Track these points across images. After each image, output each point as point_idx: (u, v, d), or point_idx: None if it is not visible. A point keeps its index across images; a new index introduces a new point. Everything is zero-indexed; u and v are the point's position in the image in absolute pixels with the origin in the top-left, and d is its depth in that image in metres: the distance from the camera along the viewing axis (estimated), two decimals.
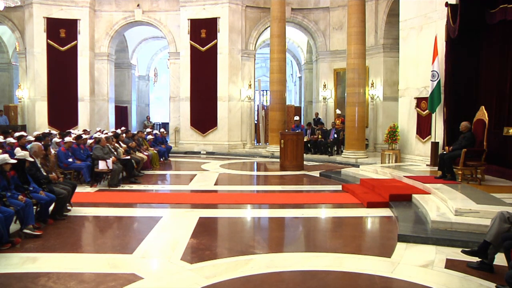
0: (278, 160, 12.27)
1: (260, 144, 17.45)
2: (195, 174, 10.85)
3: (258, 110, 17.87)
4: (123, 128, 12.87)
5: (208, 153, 15.69)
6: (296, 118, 15.84)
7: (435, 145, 9.68)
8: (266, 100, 25.40)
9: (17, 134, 9.22)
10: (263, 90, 24.58)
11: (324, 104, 16.93)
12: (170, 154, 14.21)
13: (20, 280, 4.07)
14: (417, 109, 10.49)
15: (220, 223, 6.54)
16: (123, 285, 3.93)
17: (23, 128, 15.46)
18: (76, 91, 16.29)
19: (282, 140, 11.73)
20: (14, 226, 5.37)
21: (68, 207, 6.65)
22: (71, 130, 12.81)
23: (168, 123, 18.37)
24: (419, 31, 10.51)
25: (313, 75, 18.55)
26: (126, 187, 9.02)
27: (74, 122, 16.07)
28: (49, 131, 13.06)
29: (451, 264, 4.46)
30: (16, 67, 19.37)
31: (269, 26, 15.40)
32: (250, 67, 16.47)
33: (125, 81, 20.48)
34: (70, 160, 8.66)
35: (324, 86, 16.66)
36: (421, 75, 10.36)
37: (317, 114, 16.85)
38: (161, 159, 13.08)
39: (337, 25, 16.24)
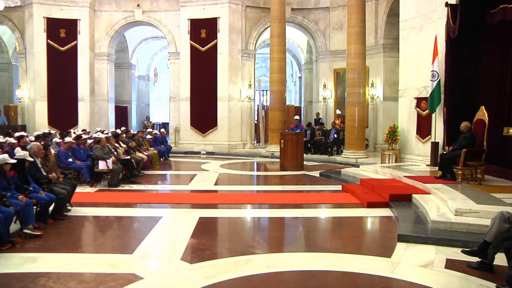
0: (278, 160, 12.27)
1: (260, 144, 17.44)
2: (195, 174, 10.85)
3: (258, 110, 17.88)
4: (123, 128, 12.87)
5: (208, 153, 15.69)
6: (296, 117, 15.83)
7: (435, 145, 9.68)
8: (266, 100, 25.40)
9: (17, 134, 9.22)
10: (263, 90, 24.58)
11: (324, 104, 16.92)
12: (170, 154, 14.20)
13: (20, 280, 4.07)
14: (417, 109, 10.49)
15: (220, 223, 6.55)
16: (123, 285, 3.93)
17: (23, 128, 15.46)
18: (76, 91, 16.28)
19: (282, 140, 11.73)
20: (14, 226, 5.38)
21: (68, 207, 6.65)
22: (71, 130, 12.82)
23: (168, 123, 18.37)
24: (419, 31, 10.51)
25: (313, 75, 18.55)
26: (126, 187, 9.02)
27: (74, 122, 16.07)
28: (49, 131, 13.07)
29: (451, 264, 4.46)
30: (16, 67, 19.37)
31: (269, 26, 15.40)
32: (250, 67, 16.47)
33: (125, 81, 20.47)
34: (70, 160, 8.66)
35: (324, 86, 16.66)
36: (421, 75, 10.36)
37: (318, 114, 16.84)
38: (161, 159, 13.08)
39: (337, 25, 16.24)
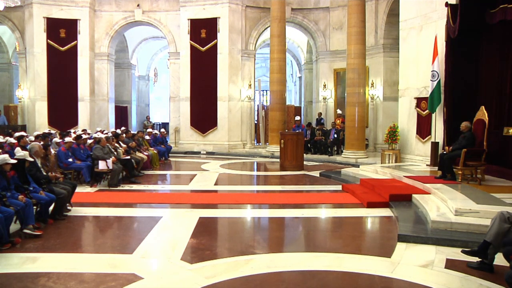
0: (278, 160, 12.27)
1: (260, 144, 17.44)
2: (195, 174, 10.85)
3: (258, 110, 17.88)
4: (123, 128, 12.87)
5: (208, 153, 15.69)
6: (297, 118, 15.84)
7: (435, 145, 9.68)
8: (266, 100, 25.40)
9: (17, 134, 9.22)
10: (263, 90, 24.58)
11: (324, 104, 16.92)
12: (170, 154, 14.21)
13: (20, 280, 4.07)
14: (417, 109, 10.49)
15: (220, 223, 6.55)
16: (123, 285, 3.93)
17: (23, 128, 15.46)
18: (76, 91, 16.29)
19: (282, 140, 11.73)
20: (14, 226, 5.37)
21: (68, 207, 6.65)
22: (71, 130, 12.82)
23: (168, 123, 18.38)
24: (419, 31, 10.51)
25: (313, 75, 18.55)
26: (126, 187, 9.02)
27: (74, 122, 16.07)
28: (49, 131, 13.07)
29: (451, 264, 4.46)
30: (16, 67, 19.37)
31: (269, 26, 15.40)
32: (250, 67, 16.47)
33: (125, 81, 20.48)
34: (70, 160, 8.66)
35: (324, 86, 16.66)
36: (421, 75, 10.36)
37: (320, 114, 16.79)
38: (161, 159, 13.08)
39: (337, 25, 16.24)
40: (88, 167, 8.77)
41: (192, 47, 15.97)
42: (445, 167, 7.75)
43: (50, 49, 15.98)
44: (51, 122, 15.93)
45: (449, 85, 9.19)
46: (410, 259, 4.62)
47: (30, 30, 15.99)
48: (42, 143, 7.49)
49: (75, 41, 16.20)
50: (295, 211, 6.98)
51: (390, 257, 4.69)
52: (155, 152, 12.27)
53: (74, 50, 16.21)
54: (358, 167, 10.87)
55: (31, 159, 6.09)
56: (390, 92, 14.46)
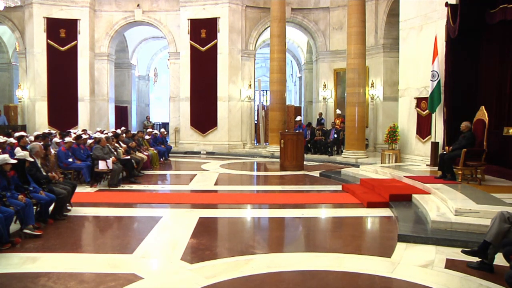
0: (278, 160, 12.27)
1: (260, 144, 17.45)
2: (195, 174, 10.85)
3: (258, 110, 17.88)
4: (123, 128, 12.87)
5: (208, 153, 15.70)
6: (298, 118, 15.84)
7: (435, 145, 9.68)
8: (266, 100, 25.39)
9: (17, 134, 9.21)
10: (263, 90, 24.58)
11: (324, 104, 16.92)
12: (170, 154, 14.21)
13: (20, 280, 4.07)
14: (417, 109, 10.49)
15: (220, 223, 6.55)
16: (123, 285, 3.93)
17: (23, 128, 15.46)
18: (76, 91, 16.30)
19: (282, 140, 11.73)
20: (14, 226, 5.37)
21: (68, 207, 6.66)
22: (71, 130, 12.81)
23: (168, 123, 18.38)
24: (419, 31, 10.51)
25: (313, 75, 18.55)
26: (126, 187, 9.02)
27: (74, 122, 16.08)
28: (49, 131, 13.06)
29: (451, 264, 4.46)
30: (16, 67, 19.37)
31: (269, 26, 15.41)
32: (250, 67, 16.48)
33: (125, 81, 20.47)
34: (70, 160, 8.66)
35: (324, 86, 16.66)
36: (421, 75, 10.36)
37: (320, 114, 16.78)
38: (161, 159, 13.08)
39: (337, 25, 16.24)
40: (88, 167, 8.77)
41: (192, 47, 15.97)
42: (445, 167, 7.75)
43: (50, 49, 15.99)
44: (51, 122, 15.93)
45: (449, 85, 9.19)
46: (410, 259, 4.62)
47: (30, 30, 15.99)
48: (42, 143, 7.49)
49: (75, 41, 16.21)
50: (295, 211, 6.98)
51: (390, 257, 4.69)
52: (155, 152, 12.28)
53: (74, 50, 16.22)
54: (358, 167, 10.87)
55: (31, 159, 6.09)
56: (390, 92, 14.47)
